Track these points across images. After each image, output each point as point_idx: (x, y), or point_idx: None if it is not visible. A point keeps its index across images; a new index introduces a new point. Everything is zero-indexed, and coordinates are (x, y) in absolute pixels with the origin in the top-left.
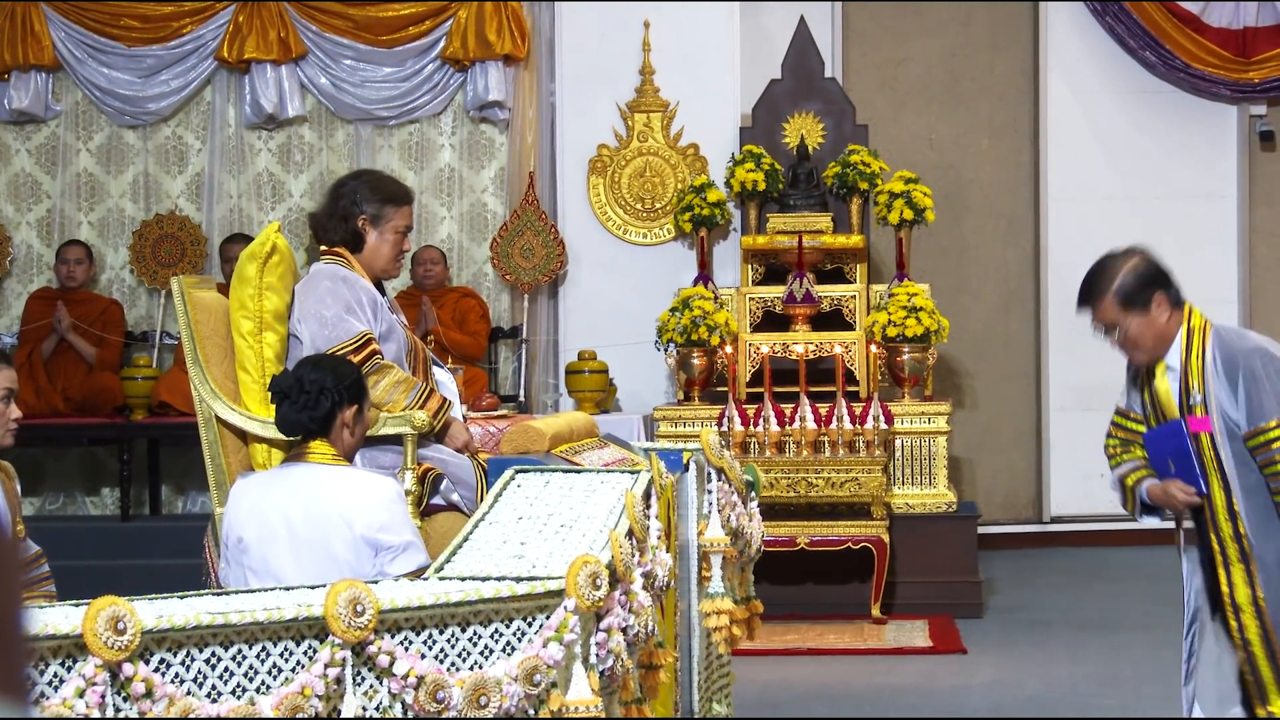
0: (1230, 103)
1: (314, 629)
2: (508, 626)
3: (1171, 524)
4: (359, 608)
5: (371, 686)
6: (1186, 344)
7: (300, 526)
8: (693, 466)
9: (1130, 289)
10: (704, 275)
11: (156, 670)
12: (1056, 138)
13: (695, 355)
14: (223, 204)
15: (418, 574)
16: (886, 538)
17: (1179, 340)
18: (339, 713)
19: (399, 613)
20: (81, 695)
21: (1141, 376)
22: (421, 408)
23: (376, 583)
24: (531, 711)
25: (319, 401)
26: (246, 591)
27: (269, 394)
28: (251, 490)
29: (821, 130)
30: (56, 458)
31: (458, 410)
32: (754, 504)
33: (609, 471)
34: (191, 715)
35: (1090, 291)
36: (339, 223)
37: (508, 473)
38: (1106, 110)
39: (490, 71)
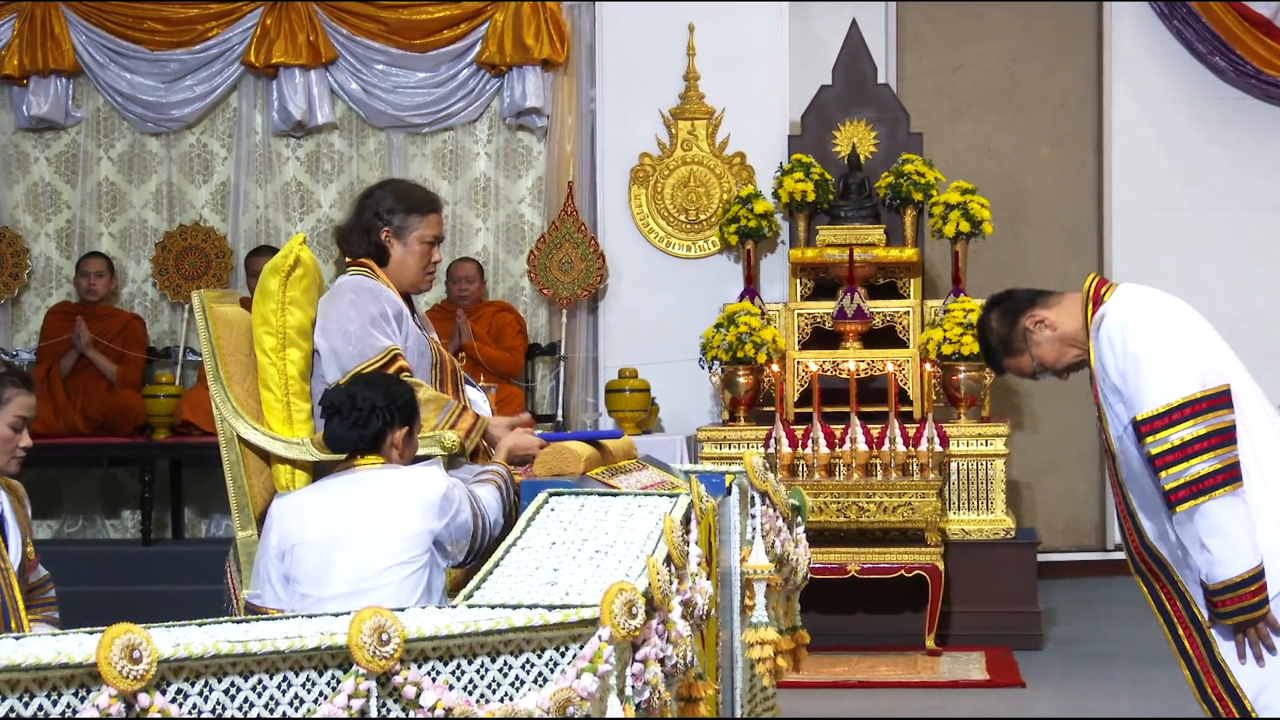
0: None
1: (337, 658)
2: (539, 656)
3: None
4: (384, 636)
5: (397, 719)
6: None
7: (361, 524)
8: (736, 490)
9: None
10: (750, 290)
11: (174, 701)
12: (1121, 147)
13: (741, 374)
14: (249, 215)
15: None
16: (941, 565)
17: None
18: None
19: (426, 642)
20: None
21: None
22: (452, 427)
23: (404, 610)
24: None
25: (370, 420)
26: (266, 619)
27: (302, 406)
28: (299, 501)
29: (874, 139)
30: (75, 479)
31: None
32: (800, 529)
33: (647, 495)
34: None
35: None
36: (361, 236)
37: (541, 495)
38: (1173, 118)
39: (528, 77)
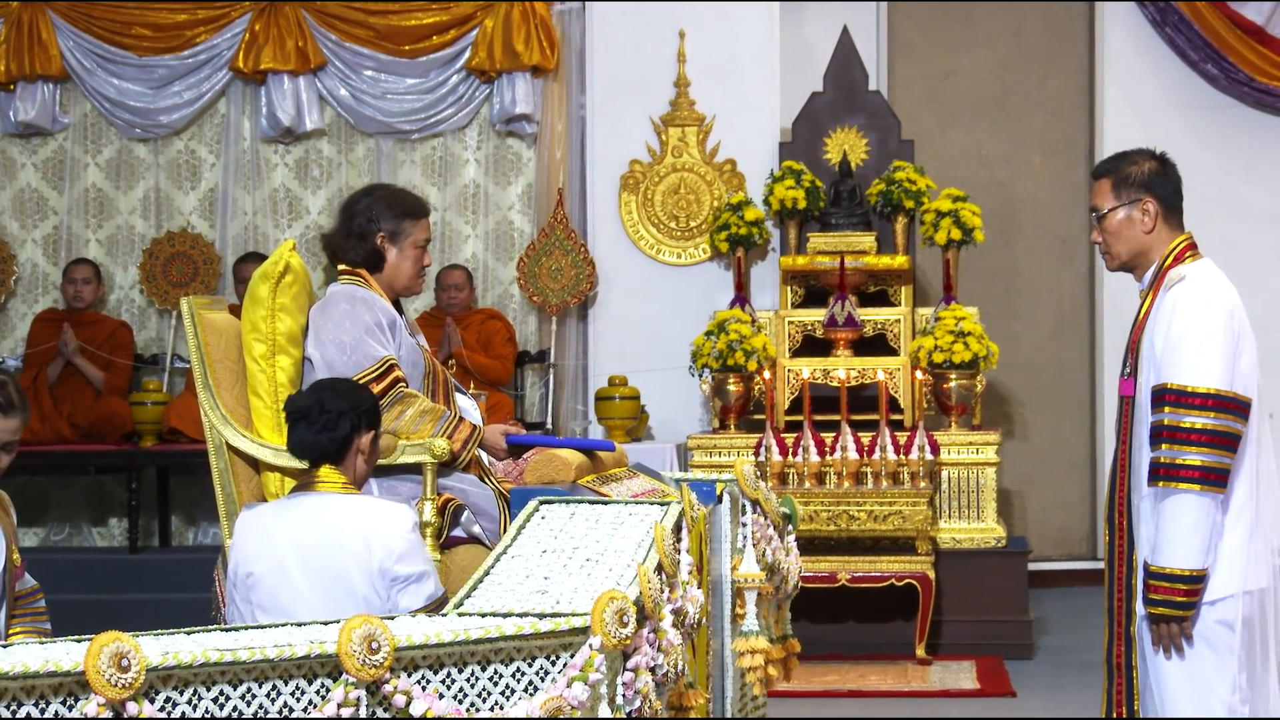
0: None
1: (327, 667)
2: (530, 665)
3: None
4: (374, 645)
5: None
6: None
7: (315, 559)
8: (726, 498)
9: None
10: (741, 297)
11: (162, 709)
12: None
13: (731, 381)
14: (237, 221)
15: (430, 606)
16: (932, 574)
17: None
18: None
19: (416, 650)
20: None
21: None
22: (449, 438)
23: (393, 618)
24: None
25: (338, 423)
26: (257, 628)
27: (283, 416)
28: (259, 523)
29: (865, 146)
30: (62, 487)
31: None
32: (791, 538)
33: (638, 503)
34: None
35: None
36: (356, 242)
37: (531, 504)
38: (1166, 126)
39: (518, 83)
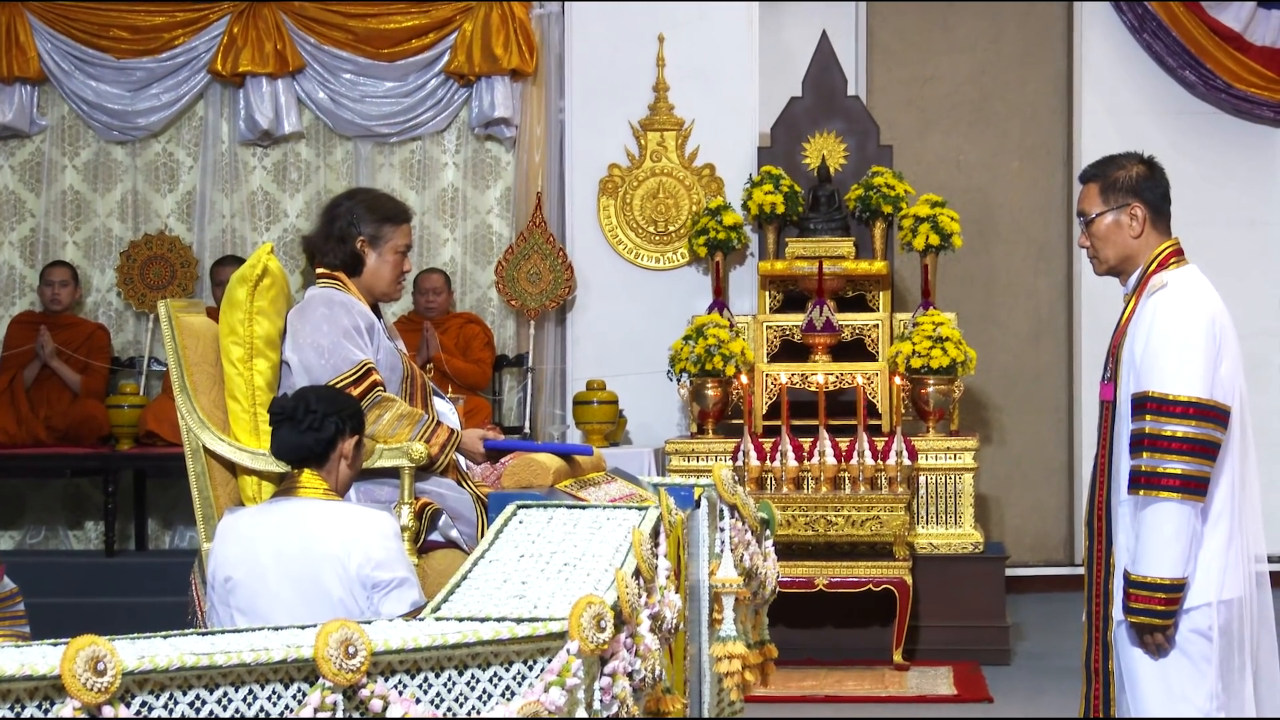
0: (1274, 125)
1: (303, 671)
2: (507, 670)
3: None
4: (351, 649)
5: None
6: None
7: (293, 565)
8: (704, 503)
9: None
10: (719, 302)
11: (138, 713)
12: (1091, 160)
13: (709, 386)
14: (215, 224)
15: (413, 614)
16: (909, 579)
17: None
18: None
19: (393, 655)
20: None
21: None
22: (426, 442)
23: (370, 623)
24: None
25: (324, 424)
26: (233, 631)
27: (268, 416)
28: (240, 527)
29: (844, 151)
30: (38, 489)
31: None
32: (769, 543)
33: (615, 508)
34: None
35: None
36: (336, 245)
37: (509, 508)
38: (1143, 132)
39: (496, 87)
